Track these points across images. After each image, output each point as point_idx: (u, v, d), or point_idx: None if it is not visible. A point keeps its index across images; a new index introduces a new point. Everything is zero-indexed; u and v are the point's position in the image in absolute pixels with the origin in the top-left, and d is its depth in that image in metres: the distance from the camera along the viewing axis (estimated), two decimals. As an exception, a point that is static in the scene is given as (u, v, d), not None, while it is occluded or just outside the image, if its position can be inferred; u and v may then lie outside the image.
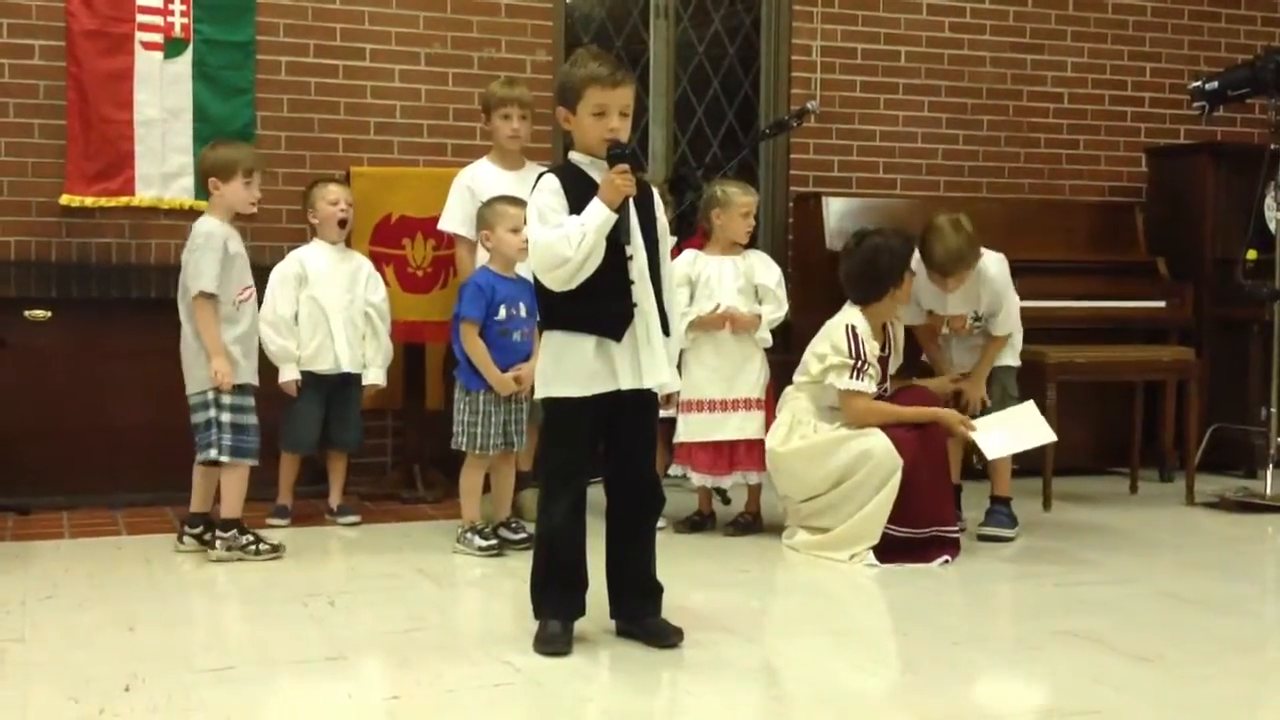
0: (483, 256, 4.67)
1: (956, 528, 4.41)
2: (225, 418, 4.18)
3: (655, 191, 3.39)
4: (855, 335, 4.32)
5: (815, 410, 4.41)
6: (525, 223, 4.30)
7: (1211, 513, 5.25)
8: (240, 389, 4.20)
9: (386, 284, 5.01)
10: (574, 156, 3.29)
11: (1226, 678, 3.11)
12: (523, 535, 4.36)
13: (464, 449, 4.35)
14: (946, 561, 4.22)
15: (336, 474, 4.92)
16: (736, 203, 4.67)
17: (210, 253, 4.16)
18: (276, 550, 4.21)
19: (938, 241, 4.44)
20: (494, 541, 4.30)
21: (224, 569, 4.12)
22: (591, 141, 3.22)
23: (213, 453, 4.19)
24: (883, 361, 4.42)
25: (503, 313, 4.33)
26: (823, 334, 4.43)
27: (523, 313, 4.34)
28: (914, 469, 4.20)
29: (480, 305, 4.31)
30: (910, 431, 4.26)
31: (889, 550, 4.20)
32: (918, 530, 4.23)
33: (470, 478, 4.38)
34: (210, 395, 4.17)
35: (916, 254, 4.49)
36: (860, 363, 4.29)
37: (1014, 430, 4.50)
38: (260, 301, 4.53)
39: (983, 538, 4.60)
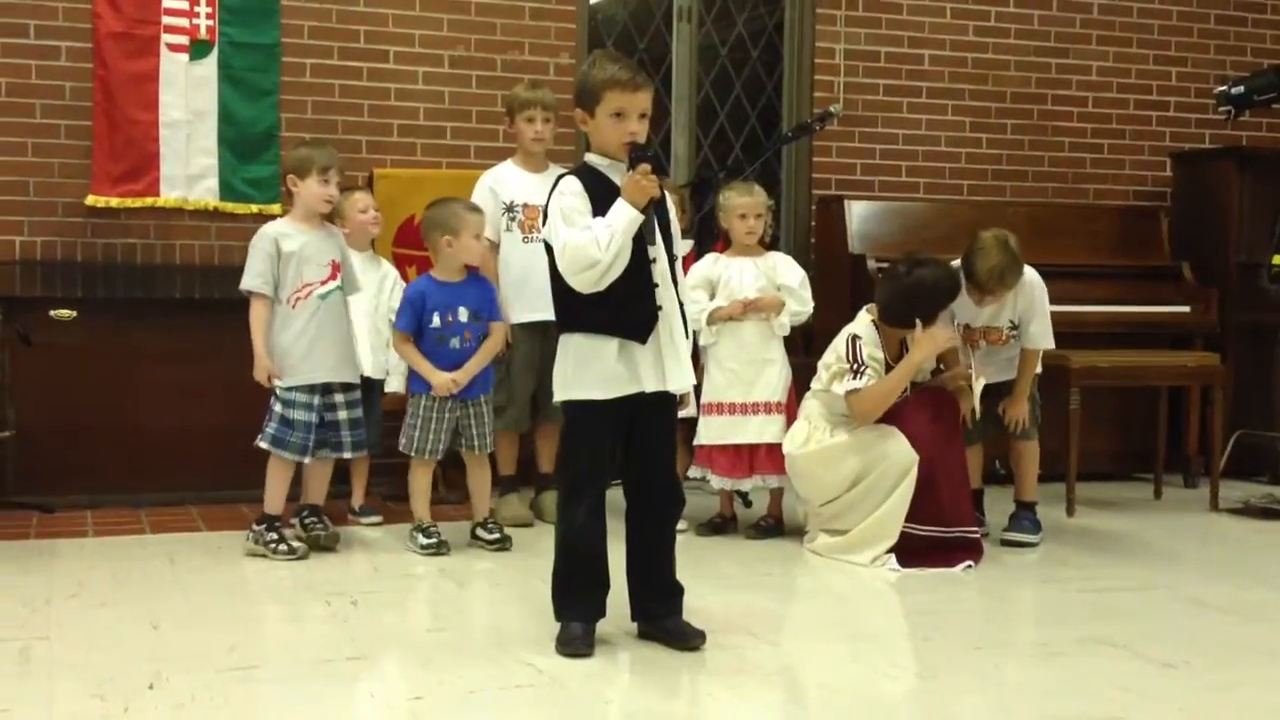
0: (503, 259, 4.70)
1: (977, 529, 4.40)
2: (276, 407, 4.29)
3: (669, 196, 3.39)
4: (855, 344, 4.31)
5: (829, 416, 4.40)
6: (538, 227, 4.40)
7: (1236, 519, 5.22)
8: (291, 388, 4.26)
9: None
10: (591, 158, 3.29)
11: (1252, 685, 3.09)
12: (496, 536, 4.43)
13: (403, 450, 4.44)
14: (969, 566, 4.20)
15: (359, 475, 4.93)
16: (733, 205, 4.67)
17: (255, 252, 4.29)
18: (294, 552, 4.23)
19: (981, 258, 4.38)
20: (433, 540, 4.34)
21: (248, 568, 4.14)
22: (609, 144, 3.22)
23: (258, 436, 4.27)
24: None
25: (436, 320, 4.38)
26: (831, 345, 4.43)
27: (462, 317, 4.40)
28: (931, 466, 4.19)
29: (408, 318, 4.38)
30: (926, 429, 4.25)
31: (913, 552, 4.19)
32: (941, 530, 4.22)
33: (416, 480, 4.46)
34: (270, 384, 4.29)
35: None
36: (856, 365, 4.28)
37: None
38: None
39: (1006, 543, 4.58)
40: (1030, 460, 4.70)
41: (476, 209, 4.52)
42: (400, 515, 4.95)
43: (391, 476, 5.41)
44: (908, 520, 4.20)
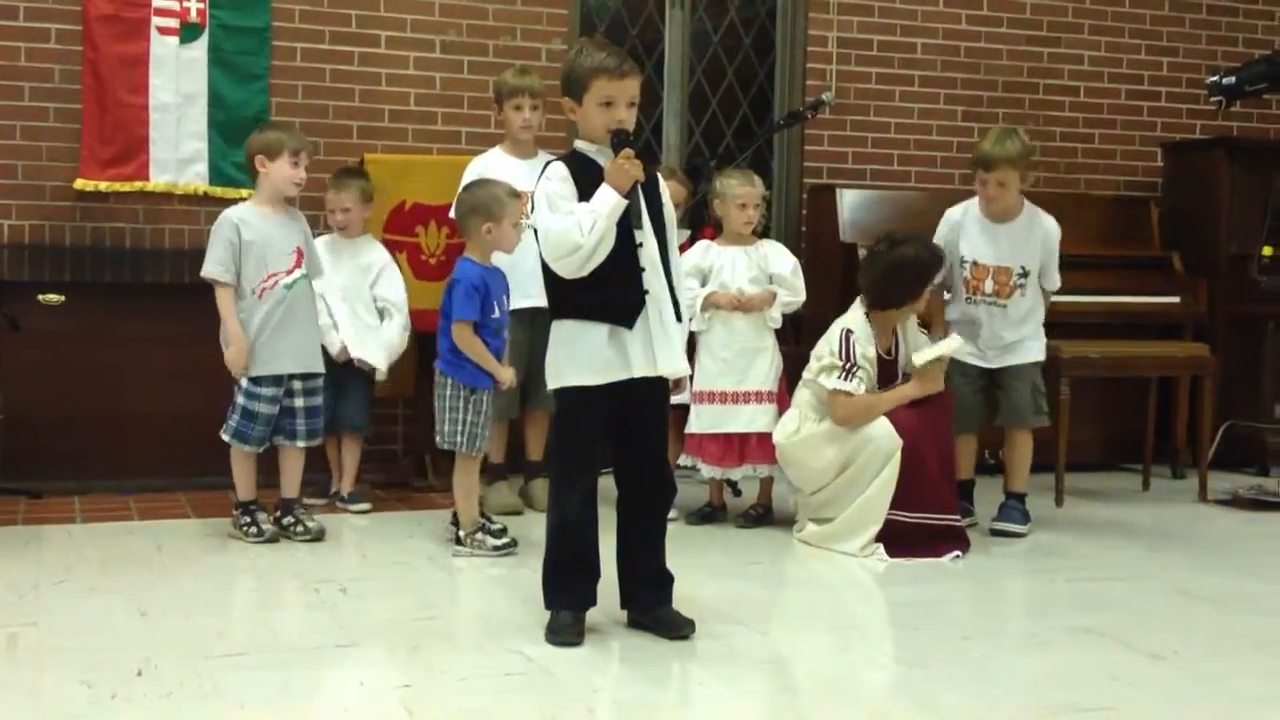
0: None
1: (962, 517, 4.40)
2: (240, 400, 4.26)
3: (661, 180, 3.38)
4: (848, 339, 4.31)
5: (818, 406, 4.40)
6: (526, 214, 4.35)
7: (1224, 510, 5.24)
8: (255, 380, 4.24)
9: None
10: (580, 145, 3.28)
11: (1239, 675, 3.10)
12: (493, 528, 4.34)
13: (463, 451, 4.22)
14: (958, 557, 4.21)
15: (350, 461, 4.92)
16: (733, 194, 4.66)
17: (216, 238, 4.24)
18: (263, 534, 4.24)
19: (985, 138, 4.62)
20: (508, 540, 4.17)
21: (236, 555, 4.13)
22: (596, 132, 3.21)
23: (221, 429, 4.27)
24: (891, 364, 4.42)
25: (496, 310, 4.24)
26: (825, 336, 4.43)
27: (506, 305, 4.32)
28: (914, 453, 4.19)
29: (476, 305, 4.19)
30: (912, 415, 4.25)
31: (901, 541, 4.19)
32: (927, 516, 4.22)
33: (470, 478, 4.24)
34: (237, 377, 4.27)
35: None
36: (849, 364, 4.27)
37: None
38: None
39: (995, 533, 4.59)
40: (1024, 450, 4.71)
41: (517, 194, 4.28)
42: (389, 503, 4.96)
43: (381, 463, 5.42)
44: (894, 507, 4.20)
